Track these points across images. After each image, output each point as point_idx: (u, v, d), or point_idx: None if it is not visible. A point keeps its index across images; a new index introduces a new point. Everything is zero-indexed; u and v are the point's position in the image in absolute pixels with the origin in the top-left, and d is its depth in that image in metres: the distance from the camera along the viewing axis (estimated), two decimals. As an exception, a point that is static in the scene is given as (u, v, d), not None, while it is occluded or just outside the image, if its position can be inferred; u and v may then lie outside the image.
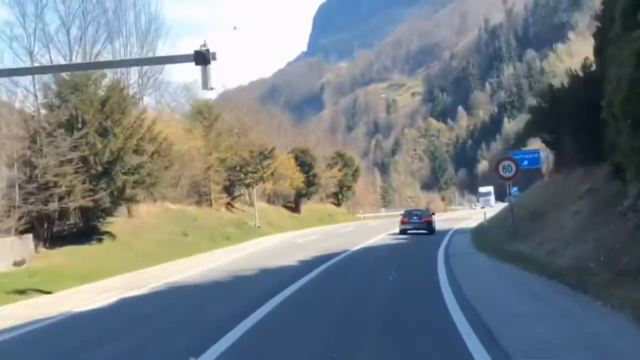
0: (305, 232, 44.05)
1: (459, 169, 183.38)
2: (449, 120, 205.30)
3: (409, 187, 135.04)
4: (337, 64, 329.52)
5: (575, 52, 48.59)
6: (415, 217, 38.19)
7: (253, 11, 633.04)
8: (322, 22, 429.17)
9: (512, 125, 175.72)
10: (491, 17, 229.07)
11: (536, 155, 72.06)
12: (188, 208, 38.70)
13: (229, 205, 45.63)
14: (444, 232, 39.25)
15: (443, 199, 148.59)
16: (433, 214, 41.52)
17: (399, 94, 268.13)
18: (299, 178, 53.84)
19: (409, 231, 37.21)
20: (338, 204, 69.08)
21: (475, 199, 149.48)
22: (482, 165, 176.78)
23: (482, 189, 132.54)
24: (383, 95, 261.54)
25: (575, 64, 48.95)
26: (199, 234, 35.21)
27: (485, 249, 25.62)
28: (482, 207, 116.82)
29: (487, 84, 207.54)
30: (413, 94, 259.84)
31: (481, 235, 32.02)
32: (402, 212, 41.22)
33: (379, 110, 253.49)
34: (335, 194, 67.98)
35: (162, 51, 38.48)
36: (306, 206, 58.77)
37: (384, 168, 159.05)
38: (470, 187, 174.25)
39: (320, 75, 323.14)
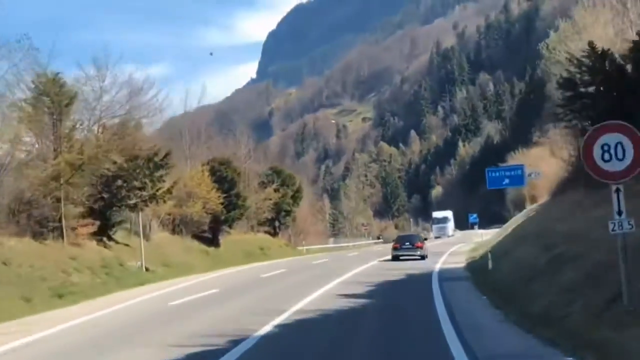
0: (210, 279, 28.38)
1: (412, 195, 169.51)
2: (401, 145, 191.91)
3: (361, 214, 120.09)
4: (286, 90, 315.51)
5: (587, 27, 34.51)
6: (407, 243, 37.32)
7: (202, 38, 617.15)
8: (272, 49, 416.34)
9: (467, 149, 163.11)
10: (443, 41, 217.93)
11: (519, 172, 56.93)
12: (8, 243, 22.77)
13: (101, 236, 29.77)
14: (422, 279, 24.25)
15: (397, 226, 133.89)
16: (425, 239, 40.60)
17: (349, 120, 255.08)
18: (215, 198, 38.21)
19: (401, 257, 36.25)
20: (274, 234, 53.19)
21: (430, 227, 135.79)
22: (436, 191, 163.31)
23: (436, 214, 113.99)
24: (333, 121, 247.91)
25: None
26: (1, 289, 19.29)
27: (564, 341, 10.62)
28: (437, 237, 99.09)
29: (439, 108, 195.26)
30: (364, 119, 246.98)
31: (508, 294, 16.75)
32: (395, 238, 41.73)
33: (328, 136, 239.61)
34: (271, 221, 52.22)
35: None
36: (229, 237, 42.89)
37: (334, 194, 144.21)
38: (424, 213, 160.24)
39: (268, 101, 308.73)
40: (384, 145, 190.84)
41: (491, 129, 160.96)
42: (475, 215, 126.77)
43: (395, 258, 36.01)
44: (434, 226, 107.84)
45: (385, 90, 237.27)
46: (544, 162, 58.18)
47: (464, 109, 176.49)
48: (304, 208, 65.87)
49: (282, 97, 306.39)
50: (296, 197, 54.66)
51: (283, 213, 52.55)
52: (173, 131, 46.64)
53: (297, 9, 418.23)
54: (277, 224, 52.99)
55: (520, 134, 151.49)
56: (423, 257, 35.97)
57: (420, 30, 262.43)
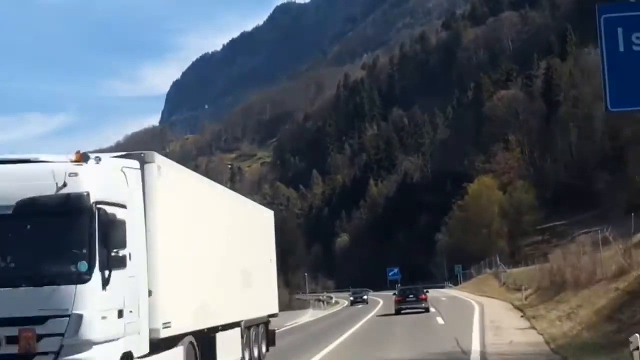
0: None
1: (312, 245, 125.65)
2: (301, 186, 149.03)
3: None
4: (182, 136, 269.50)
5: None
6: (411, 296, 33.14)
7: (108, 89, 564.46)
8: (175, 99, 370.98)
9: (380, 189, 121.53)
10: (352, 75, 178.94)
11: None
12: None
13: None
14: None
15: (287, 284, 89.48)
16: (427, 291, 34.50)
17: (247, 165, 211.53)
18: None
19: (403, 311, 31.50)
20: None
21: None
22: (342, 240, 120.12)
23: None
24: (229, 165, 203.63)
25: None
26: None
27: None
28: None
29: (347, 146, 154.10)
30: (263, 164, 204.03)
31: None
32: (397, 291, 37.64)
33: (222, 180, 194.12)
34: None
35: None
36: None
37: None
38: (325, 267, 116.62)
39: (163, 146, 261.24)
40: (280, 186, 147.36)
41: (409, 164, 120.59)
42: (396, 270, 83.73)
43: (398, 312, 31.77)
44: None
45: (286, 130, 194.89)
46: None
47: (378, 144, 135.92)
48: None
49: (178, 141, 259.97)
50: None
51: None
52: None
53: (202, 59, 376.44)
54: None
55: (446, 167, 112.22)
56: (427, 310, 31.24)
57: (327, 71, 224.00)
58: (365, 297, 55.08)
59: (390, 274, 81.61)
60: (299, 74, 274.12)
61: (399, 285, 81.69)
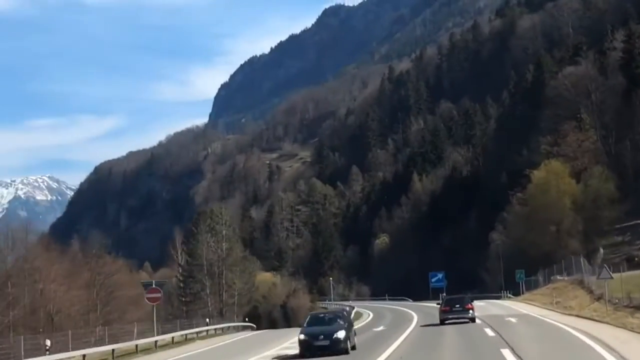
0: None
1: (348, 246, 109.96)
2: (339, 184, 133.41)
3: (238, 266, 59.51)
4: (226, 136, 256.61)
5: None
6: (457, 306, 30.01)
7: (158, 92, 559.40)
8: (223, 102, 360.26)
9: (424, 184, 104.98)
10: (397, 67, 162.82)
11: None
12: None
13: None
14: None
15: (312, 290, 74.29)
16: (472, 300, 31.90)
17: (289, 165, 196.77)
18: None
19: (447, 321, 28.89)
20: None
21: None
22: (381, 241, 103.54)
23: None
24: (267, 162, 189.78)
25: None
26: None
27: None
28: None
29: (390, 141, 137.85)
30: (304, 164, 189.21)
31: None
32: (442, 301, 32.70)
33: (260, 179, 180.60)
34: None
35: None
36: None
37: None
38: (362, 272, 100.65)
39: (205, 146, 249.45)
40: (316, 182, 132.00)
41: (457, 157, 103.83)
42: (440, 276, 66.27)
43: (443, 321, 28.99)
44: None
45: (327, 126, 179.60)
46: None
47: (423, 137, 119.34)
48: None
49: (220, 141, 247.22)
50: None
51: None
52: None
53: (250, 62, 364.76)
54: None
55: (502, 157, 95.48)
56: (473, 320, 28.84)
57: (372, 68, 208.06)
58: (340, 334, 19.89)
59: (433, 279, 65.29)
60: (344, 73, 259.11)
61: (444, 294, 65.32)
